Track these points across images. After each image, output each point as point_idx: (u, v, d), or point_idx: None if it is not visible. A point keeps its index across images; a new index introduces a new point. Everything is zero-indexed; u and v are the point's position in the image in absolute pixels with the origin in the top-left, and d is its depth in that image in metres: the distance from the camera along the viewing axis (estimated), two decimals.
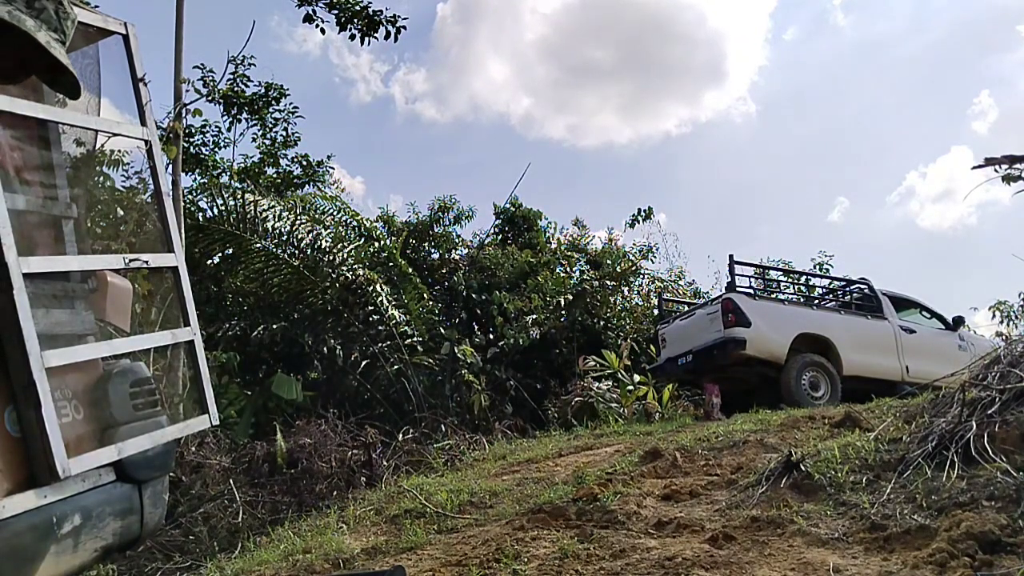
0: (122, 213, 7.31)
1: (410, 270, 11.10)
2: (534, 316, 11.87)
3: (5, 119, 2.57)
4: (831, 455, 3.98)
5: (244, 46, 13.55)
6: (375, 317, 10.02)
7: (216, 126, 13.31)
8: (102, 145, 4.66)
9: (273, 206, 9.56)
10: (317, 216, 10.94)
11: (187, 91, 7.52)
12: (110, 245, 5.50)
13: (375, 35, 8.65)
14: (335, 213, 11.58)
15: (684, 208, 36.89)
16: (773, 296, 10.19)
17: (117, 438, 2.71)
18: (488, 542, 3.69)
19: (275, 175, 14.18)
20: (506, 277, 13.09)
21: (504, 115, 37.00)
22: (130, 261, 3.05)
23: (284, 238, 9.48)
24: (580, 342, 12.05)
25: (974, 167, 4.20)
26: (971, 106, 39.41)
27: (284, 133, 13.99)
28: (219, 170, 13.04)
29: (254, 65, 12.83)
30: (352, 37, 8.68)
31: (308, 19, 8.68)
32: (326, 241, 9.99)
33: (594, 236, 15.77)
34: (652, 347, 10.85)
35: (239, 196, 9.33)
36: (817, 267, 15.66)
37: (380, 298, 9.89)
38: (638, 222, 14.56)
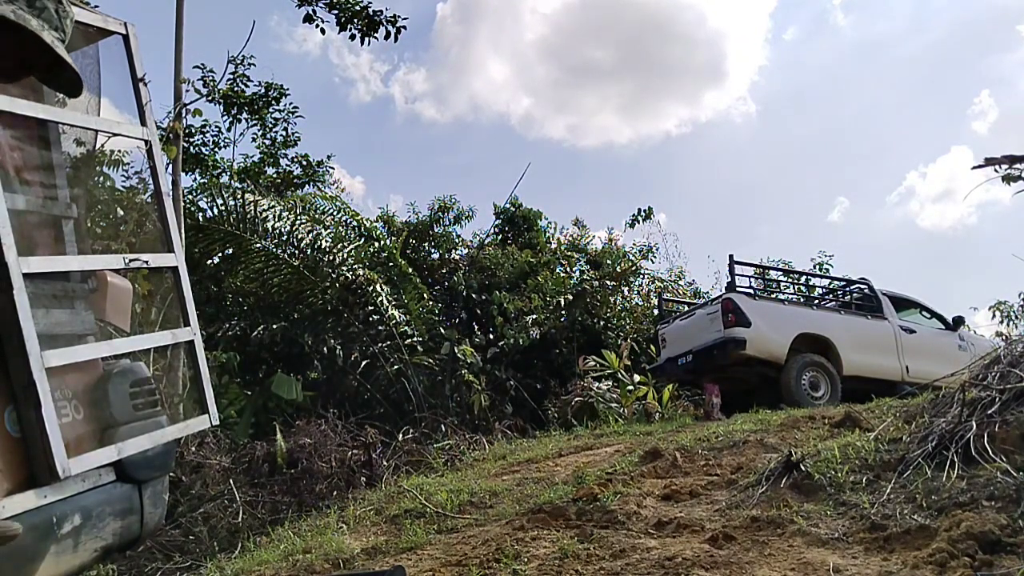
0: (122, 213, 7.31)
1: (410, 270, 11.10)
2: (534, 316, 11.87)
3: (5, 119, 2.57)
4: (831, 455, 3.98)
5: (244, 46, 13.58)
6: (375, 317, 10.02)
7: (216, 126, 13.33)
8: (102, 145, 4.67)
9: (273, 206, 9.56)
10: (317, 216, 10.94)
11: (187, 91, 7.52)
12: (110, 245, 5.50)
13: (375, 35, 8.64)
14: (335, 213, 11.58)
15: (684, 208, 36.91)
16: (773, 296, 10.20)
17: (117, 438, 2.71)
18: (488, 542, 3.69)
19: (275, 175, 14.19)
20: (506, 277, 13.09)
21: (504, 115, 37.02)
22: (130, 261, 3.06)
23: (284, 238, 9.48)
24: (580, 342, 12.05)
25: (974, 167, 4.20)
26: (971, 106, 39.43)
27: (284, 133, 14.01)
28: (219, 170, 13.04)
29: (254, 65, 12.85)
30: (352, 37, 8.68)
31: (308, 19, 8.68)
32: (326, 241, 9.99)
33: (594, 236, 15.81)
34: (652, 347, 10.86)
35: (239, 196, 9.32)
36: (817, 267, 15.67)
37: (380, 298, 9.89)
38: (638, 222, 14.59)
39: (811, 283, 13.22)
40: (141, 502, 2.86)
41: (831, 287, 11.69)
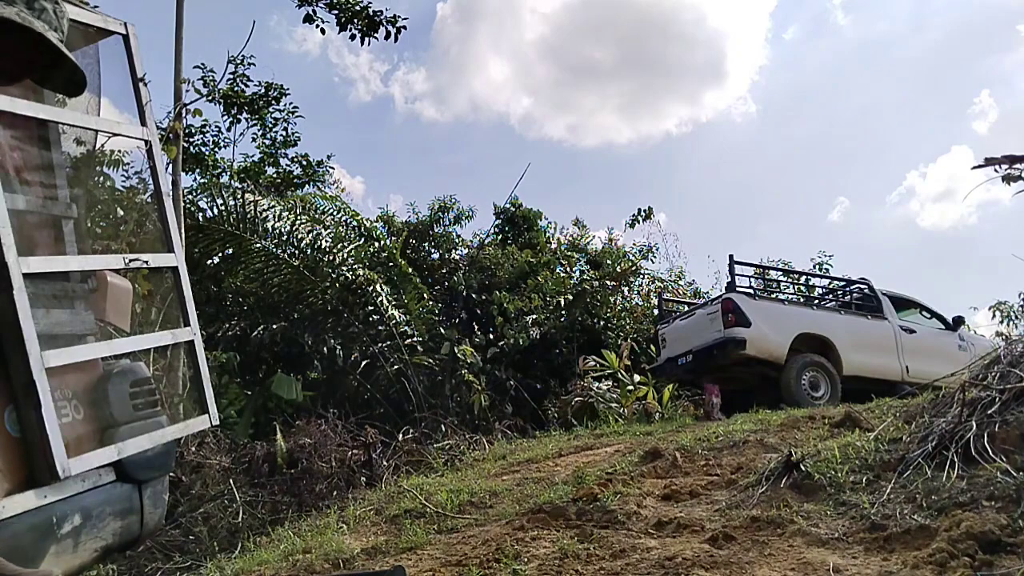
0: (122, 213, 7.31)
1: (410, 270, 11.10)
2: (534, 316, 11.87)
3: (5, 119, 2.57)
4: (831, 455, 3.98)
5: (244, 46, 13.56)
6: (375, 317, 10.02)
7: (216, 126, 13.35)
8: (102, 145, 4.66)
9: (273, 206, 9.56)
10: (317, 216, 10.94)
11: (187, 91, 7.52)
12: (110, 245, 5.50)
13: (375, 35, 8.65)
14: (335, 213, 11.58)
15: (684, 208, 36.92)
16: (773, 296, 10.20)
17: (117, 438, 2.71)
18: (488, 542, 3.69)
19: (275, 175, 14.19)
20: (506, 277, 13.09)
21: (504, 115, 37.03)
22: (130, 261, 3.06)
23: (284, 238, 9.48)
24: (580, 342, 12.05)
25: (974, 167, 4.19)
26: (971, 106, 39.46)
27: (284, 133, 14.03)
28: (219, 170, 13.05)
29: (254, 65, 12.89)
30: (352, 37, 8.69)
31: (308, 19, 8.69)
32: (326, 241, 9.98)
33: (594, 236, 15.83)
34: (652, 347, 10.86)
35: (239, 196, 9.32)
36: (817, 267, 15.68)
37: (380, 298, 9.89)
38: (638, 222, 14.59)
39: (811, 283, 13.22)
40: (141, 502, 2.86)
41: (831, 287, 11.69)
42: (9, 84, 1.33)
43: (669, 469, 4.79)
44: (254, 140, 13.96)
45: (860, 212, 38.57)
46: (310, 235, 9.73)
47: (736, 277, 9.19)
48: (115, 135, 3.25)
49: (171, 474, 3.85)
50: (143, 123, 3.11)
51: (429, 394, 9.97)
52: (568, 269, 14.24)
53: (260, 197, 9.68)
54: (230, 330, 9.66)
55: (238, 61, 12.17)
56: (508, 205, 15.28)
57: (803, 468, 3.82)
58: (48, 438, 2.35)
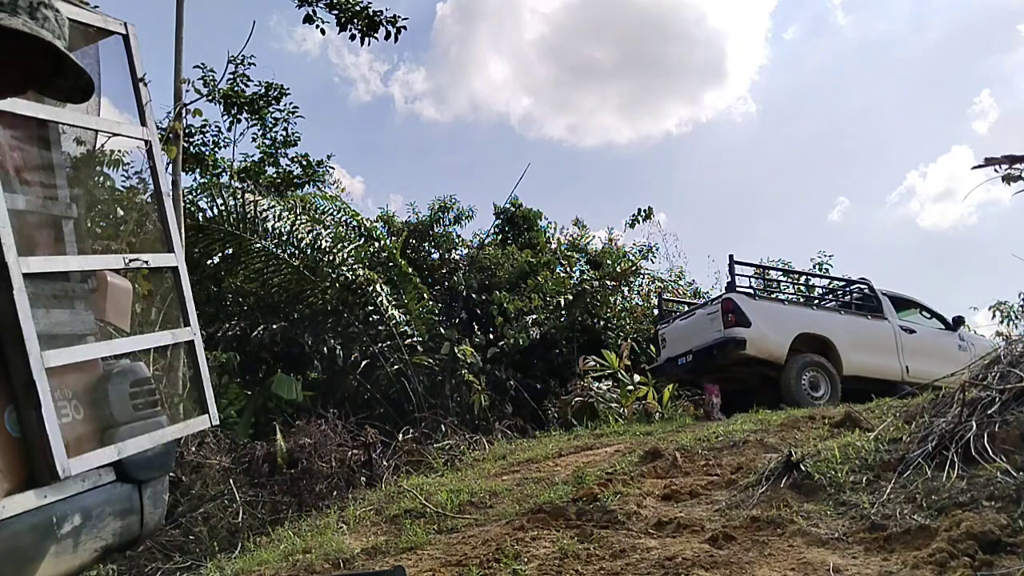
0: (122, 213, 7.31)
1: (410, 270, 11.10)
2: (534, 316, 11.87)
3: (5, 119, 2.58)
4: (831, 455, 3.98)
5: (244, 46, 13.58)
6: (375, 317, 10.02)
7: (216, 126, 13.34)
8: (102, 145, 4.66)
9: (273, 206, 9.56)
10: (317, 216, 10.94)
11: (187, 91, 7.52)
12: (110, 245, 5.50)
13: (375, 35, 8.65)
14: (335, 213, 11.58)
15: (684, 208, 36.92)
16: (773, 296, 10.20)
17: (117, 438, 2.71)
18: (488, 542, 3.69)
19: (275, 175, 14.19)
20: (506, 277, 13.09)
21: (504, 115, 37.02)
22: (130, 261, 3.06)
23: (284, 238, 9.48)
24: (580, 342, 12.05)
25: (974, 167, 4.19)
26: (971, 106, 39.45)
27: (284, 133, 14.02)
28: (219, 170, 13.05)
29: (254, 65, 12.88)
30: (352, 37, 8.69)
31: (308, 19, 8.69)
32: (326, 241, 9.98)
33: (594, 236, 15.83)
34: (652, 347, 10.86)
35: (239, 196, 9.32)
36: (817, 267, 15.68)
37: (380, 298, 9.89)
38: (638, 222, 14.59)
39: (811, 283, 13.22)
40: (141, 502, 2.86)
41: (831, 287, 11.69)
42: (16, 95, 1.33)
43: (669, 469, 4.79)
44: (254, 140, 13.98)
45: (860, 212, 38.62)
46: (310, 235, 9.73)
47: (736, 277, 9.19)
48: (115, 135, 3.25)
49: (171, 474, 3.84)
50: (143, 123, 3.11)
51: (429, 394, 9.98)
52: (568, 269, 14.24)
53: (260, 197, 9.68)
54: (230, 330, 9.66)
55: (238, 61, 12.19)
56: (508, 205, 15.29)
57: (803, 468, 3.82)
58: (48, 438, 2.35)
